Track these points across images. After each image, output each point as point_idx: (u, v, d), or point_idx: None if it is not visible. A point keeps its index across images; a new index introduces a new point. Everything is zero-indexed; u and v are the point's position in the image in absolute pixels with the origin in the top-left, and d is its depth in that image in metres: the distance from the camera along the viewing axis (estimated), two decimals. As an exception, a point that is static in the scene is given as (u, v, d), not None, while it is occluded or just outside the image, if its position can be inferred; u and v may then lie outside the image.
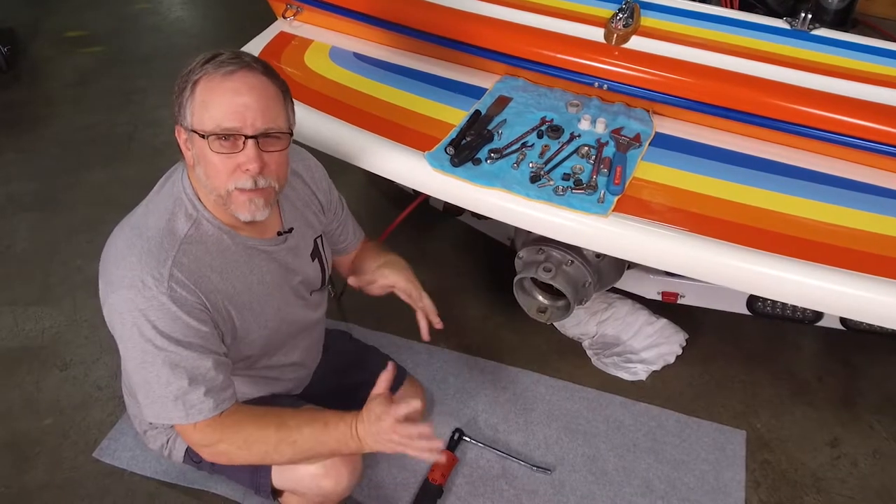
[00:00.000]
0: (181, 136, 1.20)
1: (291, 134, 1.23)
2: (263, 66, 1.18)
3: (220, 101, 1.13)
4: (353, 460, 1.37)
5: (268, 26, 2.06)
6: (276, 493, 1.45)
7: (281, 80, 1.21)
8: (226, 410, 1.22)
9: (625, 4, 1.71)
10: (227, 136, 1.14)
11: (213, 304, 1.21)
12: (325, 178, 1.51)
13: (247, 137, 1.14)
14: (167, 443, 1.51)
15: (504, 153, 1.60)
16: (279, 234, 1.34)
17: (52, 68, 3.49)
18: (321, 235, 1.47)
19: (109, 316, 1.19)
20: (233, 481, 1.58)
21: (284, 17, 2.04)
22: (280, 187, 1.24)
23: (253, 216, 1.20)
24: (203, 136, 1.14)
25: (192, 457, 1.49)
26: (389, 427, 1.19)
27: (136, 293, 1.14)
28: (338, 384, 1.68)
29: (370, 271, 1.56)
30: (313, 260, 1.44)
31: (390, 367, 1.29)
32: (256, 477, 1.41)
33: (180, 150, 1.22)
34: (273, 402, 1.47)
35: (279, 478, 1.39)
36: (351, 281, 1.55)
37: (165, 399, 1.18)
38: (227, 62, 1.14)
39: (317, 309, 1.51)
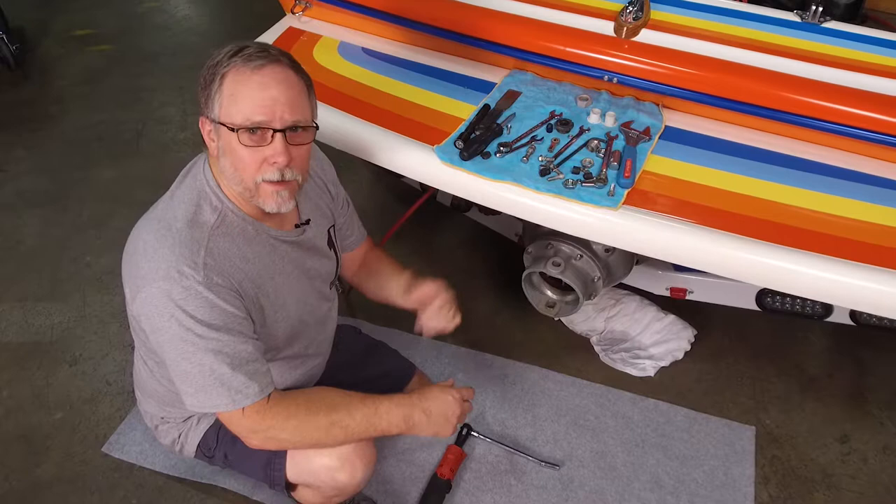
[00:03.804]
0: (205, 128, 1.21)
1: (317, 127, 1.25)
2: (290, 60, 1.19)
3: (248, 95, 1.14)
4: (367, 453, 1.38)
5: (275, 23, 2.07)
6: (290, 487, 1.45)
7: (305, 73, 1.23)
8: (272, 395, 1.24)
9: (634, -2, 1.71)
10: (256, 130, 1.15)
11: (244, 292, 1.23)
12: (332, 170, 1.53)
13: (275, 131, 1.15)
14: (179, 437, 1.51)
15: (513, 147, 1.59)
16: (297, 225, 1.35)
17: (61, 66, 3.51)
18: (333, 226, 1.48)
19: (143, 309, 1.19)
20: (245, 475, 1.58)
21: (293, 13, 2.05)
22: (303, 181, 1.25)
23: (279, 208, 1.22)
24: (232, 129, 1.15)
25: (203, 451, 1.50)
26: (455, 402, 1.36)
27: (172, 284, 1.14)
28: (347, 380, 1.68)
29: (397, 287, 1.59)
30: (330, 249, 1.46)
31: (450, 382, 1.46)
32: (270, 471, 1.41)
33: (203, 141, 1.23)
34: None
35: (293, 471, 1.39)
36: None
37: (210, 387, 1.19)
38: (255, 56, 1.14)
39: (330, 302, 1.52)
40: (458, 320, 1.54)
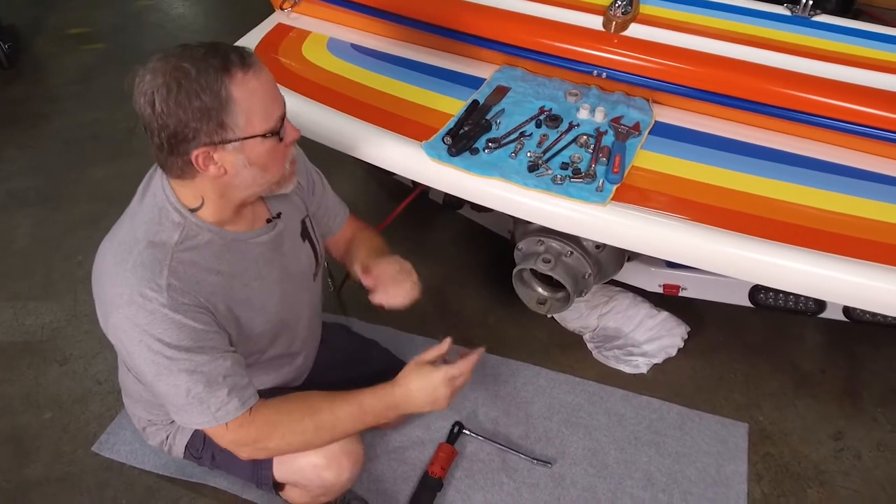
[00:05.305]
0: (203, 157, 1.10)
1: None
2: None
3: (262, 97, 1.11)
4: (355, 452, 1.37)
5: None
6: (278, 487, 1.44)
7: None
8: (254, 406, 1.22)
9: (624, -8, 1.70)
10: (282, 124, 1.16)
11: (214, 307, 1.20)
12: (301, 156, 1.45)
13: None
14: (167, 439, 1.51)
15: (502, 143, 1.58)
16: (268, 220, 1.32)
17: (55, 65, 3.50)
18: (307, 216, 1.45)
19: (114, 335, 1.17)
20: (233, 476, 1.58)
21: (282, 9, 2.04)
22: None
23: (298, 179, 1.28)
24: (273, 134, 1.13)
25: (192, 452, 1.49)
26: (442, 383, 1.26)
27: (136, 309, 1.12)
28: (337, 378, 1.66)
29: (356, 262, 1.50)
30: (304, 241, 1.43)
31: (447, 341, 1.33)
32: (258, 470, 1.40)
33: (194, 168, 1.12)
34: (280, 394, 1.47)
35: (280, 470, 1.38)
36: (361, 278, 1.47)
37: (189, 406, 1.18)
38: (240, 60, 1.09)
39: (313, 294, 1.50)
40: (415, 294, 1.41)
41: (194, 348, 1.15)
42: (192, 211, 1.19)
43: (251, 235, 1.28)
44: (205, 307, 1.18)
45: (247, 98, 1.08)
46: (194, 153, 1.09)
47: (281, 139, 1.16)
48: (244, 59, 1.09)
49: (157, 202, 1.19)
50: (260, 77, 1.11)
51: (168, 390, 1.17)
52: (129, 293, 1.12)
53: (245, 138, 1.11)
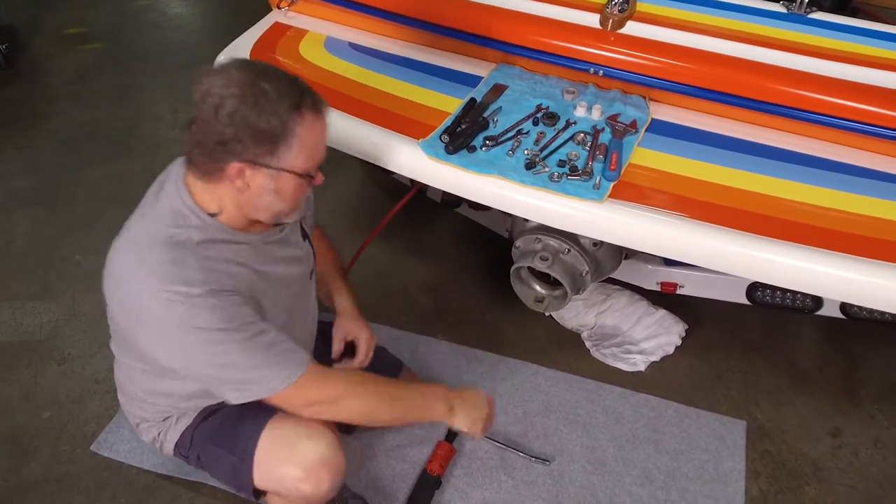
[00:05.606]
0: (236, 172, 1.15)
1: None
2: None
3: (316, 141, 1.19)
4: (335, 463, 1.36)
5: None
6: (260, 493, 1.43)
7: None
8: (323, 370, 1.29)
9: (620, -10, 1.70)
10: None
11: (242, 292, 1.22)
12: None
13: None
14: (158, 435, 1.50)
15: (499, 140, 1.59)
16: (276, 224, 1.34)
17: (52, 65, 3.50)
18: (303, 217, 1.47)
19: (156, 342, 1.19)
20: (215, 478, 1.57)
21: (279, 8, 2.05)
22: None
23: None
24: (308, 177, 1.21)
25: (180, 451, 1.49)
26: (485, 401, 1.48)
27: (169, 306, 1.13)
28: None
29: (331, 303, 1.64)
30: (304, 241, 1.46)
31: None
32: (238, 476, 1.39)
33: (222, 175, 1.16)
34: None
35: (260, 478, 1.37)
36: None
37: (252, 378, 1.21)
38: (313, 103, 1.16)
39: (311, 291, 1.52)
40: (367, 359, 1.59)
41: (238, 327, 1.17)
42: (212, 216, 1.21)
43: (263, 237, 1.30)
44: (235, 291, 1.20)
45: (305, 139, 1.15)
46: (233, 164, 1.13)
47: (311, 182, 1.22)
48: (317, 104, 1.17)
49: (174, 206, 1.21)
50: (322, 125, 1.19)
51: (224, 371, 1.20)
52: (158, 293, 1.14)
53: (284, 170, 1.16)
